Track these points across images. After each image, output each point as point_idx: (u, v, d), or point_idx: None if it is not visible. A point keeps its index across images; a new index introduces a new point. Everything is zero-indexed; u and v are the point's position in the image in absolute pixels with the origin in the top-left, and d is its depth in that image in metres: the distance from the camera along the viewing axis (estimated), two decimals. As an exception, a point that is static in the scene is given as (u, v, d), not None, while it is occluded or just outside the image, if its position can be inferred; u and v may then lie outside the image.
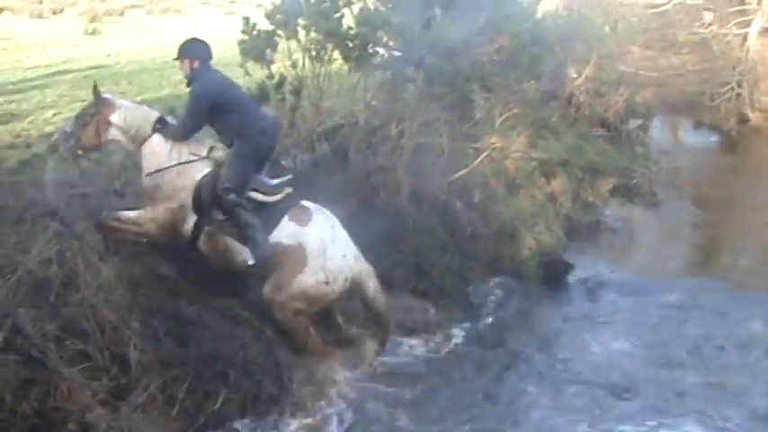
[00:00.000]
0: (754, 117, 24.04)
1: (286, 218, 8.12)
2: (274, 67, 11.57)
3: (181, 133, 8.19)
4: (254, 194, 8.11)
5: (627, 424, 8.37)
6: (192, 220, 8.13)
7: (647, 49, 23.23)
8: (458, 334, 10.19)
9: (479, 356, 9.75)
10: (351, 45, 11.17)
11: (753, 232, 16.11)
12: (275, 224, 8.08)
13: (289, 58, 11.61)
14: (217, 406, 7.21)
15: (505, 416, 8.51)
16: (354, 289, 8.61)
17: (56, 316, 6.76)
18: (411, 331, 9.87)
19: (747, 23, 24.49)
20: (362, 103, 12.01)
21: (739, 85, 23.97)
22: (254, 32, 11.44)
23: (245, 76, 11.55)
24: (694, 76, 23.16)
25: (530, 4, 14.26)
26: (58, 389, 6.35)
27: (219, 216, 8.05)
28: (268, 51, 11.45)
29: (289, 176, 8.54)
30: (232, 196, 7.86)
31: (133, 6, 34.53)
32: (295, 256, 8.07)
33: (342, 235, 8.46)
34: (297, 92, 11.57)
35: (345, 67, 11.57)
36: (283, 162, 11.64)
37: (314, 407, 8.08)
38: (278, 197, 8.22)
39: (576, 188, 15.21)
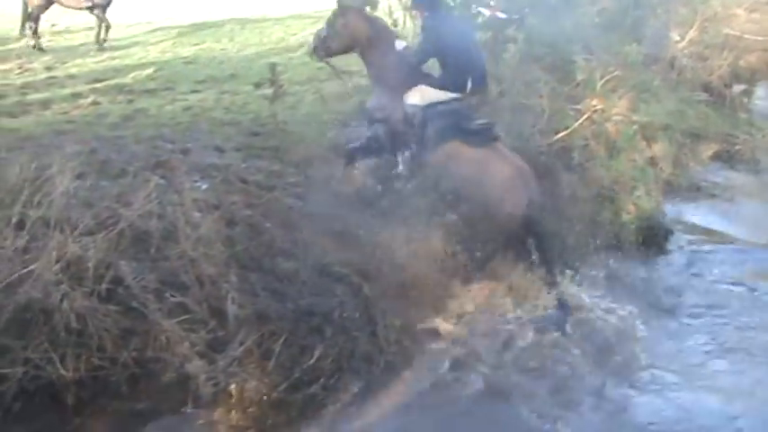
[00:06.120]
0: None
1: None
2: (376, 26, 11.59)
3: None
4: None
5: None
6: None
7: (753, 12, 22.57)
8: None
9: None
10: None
11: None
12: None
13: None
14: (312, 361, 7.22)
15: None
16: None
17: (155, 268, 6.90)
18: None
19: None
20: (464, 63, 11.95)
21: None
22: (356, -10, 11.45)
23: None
24: (802, 41, 22.50)
25: (633, -34, 14.03)
26: (157, 339, 6.49)
27: None
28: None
29: None
30: None
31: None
32: None
33: None
34: (399, 51, 11.59)
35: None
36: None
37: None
38: None
39: (677, 153, 14.91)
